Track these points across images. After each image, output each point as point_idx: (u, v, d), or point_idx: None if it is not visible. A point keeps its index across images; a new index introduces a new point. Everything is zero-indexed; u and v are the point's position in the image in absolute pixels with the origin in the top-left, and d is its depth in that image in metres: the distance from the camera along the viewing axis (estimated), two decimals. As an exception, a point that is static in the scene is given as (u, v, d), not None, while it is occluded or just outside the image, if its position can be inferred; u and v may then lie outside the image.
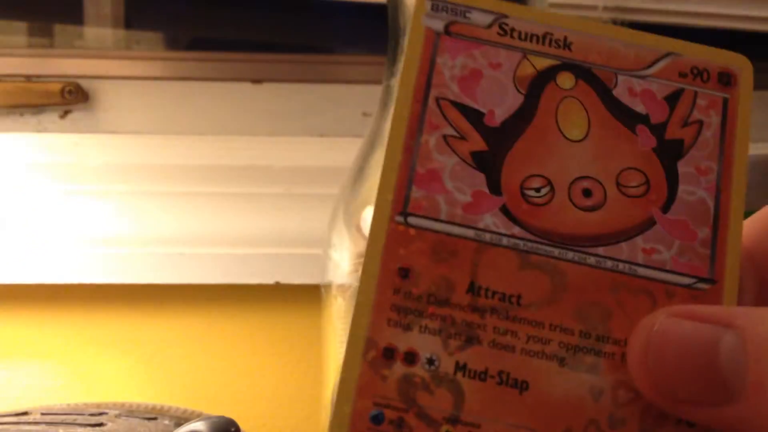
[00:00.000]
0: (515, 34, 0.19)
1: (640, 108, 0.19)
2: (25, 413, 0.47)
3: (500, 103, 0.19)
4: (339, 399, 0.17)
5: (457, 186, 0.18)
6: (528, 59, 0.19)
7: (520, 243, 0.18)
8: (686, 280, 0.18)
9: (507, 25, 0.19)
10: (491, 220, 0.18)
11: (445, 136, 0.19)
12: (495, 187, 0.18)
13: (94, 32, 0.83)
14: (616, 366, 0.17)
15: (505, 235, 0.18)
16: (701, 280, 0.18)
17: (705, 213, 0.18)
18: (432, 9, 0.19)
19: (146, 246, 0.69)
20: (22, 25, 0.82)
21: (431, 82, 0.19)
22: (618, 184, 0.18)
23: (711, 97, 0.19)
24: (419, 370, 0.17)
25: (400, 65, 0.19)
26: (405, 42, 0.19)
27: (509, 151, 0.19)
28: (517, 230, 0.18)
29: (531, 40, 0.19)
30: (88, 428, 0.43)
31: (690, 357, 0.16)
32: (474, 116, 0.19)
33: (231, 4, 0.85)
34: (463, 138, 0.19)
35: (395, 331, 0.17)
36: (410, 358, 0.17)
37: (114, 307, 0.71)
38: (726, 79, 0.19)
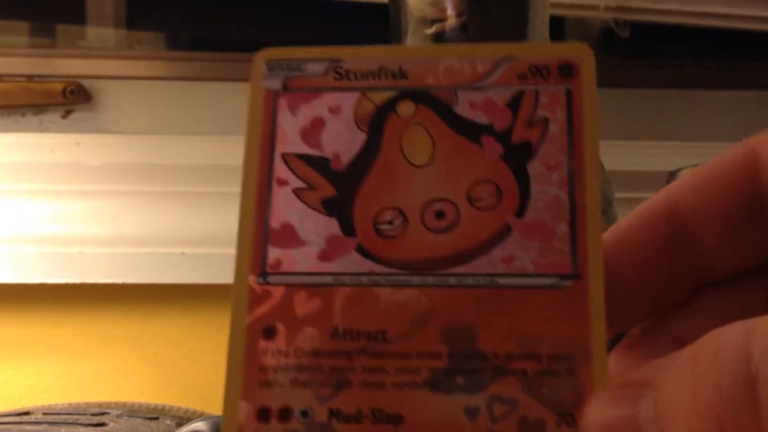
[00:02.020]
0: (351, 75, 0.19)
1: (482, 119, 0.19)
2: (26, 413, 0.47)
3: (345, 145, 0.19)
4: None
5: (311, 236, 0.18)
6: (366, 96, 0.19)
7: (380, 279, 0.18)
8: (549, 281, 0.18)
9: (341, 68, 0.19)
10: (348, 262, 0.18)
11: (294, 190, 0.19)
12: (348, 229, 0.18)
13: (96, 32, 0.83)
14: (487, 382, 0.17)
15: (363, 274, 0.18)
16: (564, 277, 0.18)
17: (561, 209, 0.18)
18: (269, 70, 0.20)
19: (147, 246, 0.69)
20: (24, 25, 0.82)
21: (275, 141, 0.19)
22: (470, 200, 0.18)
23: (553, 92, 0.19)
24: (295, 425, 0.17)
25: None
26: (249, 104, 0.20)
27: (358, 190, 0.19)
28: (374, 267, 0.18)
29: (367, 78, 0.19)
30: (90, 428, 0.43)
31: None
32: (320, 164, 0.19)
33: (232, 4, 0.85)
34: (312, 188, 0.19)
35: (267, 391, 0.17)
36: (284, 414, 0.17)
37: (115, 306, 0.71)
38: (567, 71, 0.19)
